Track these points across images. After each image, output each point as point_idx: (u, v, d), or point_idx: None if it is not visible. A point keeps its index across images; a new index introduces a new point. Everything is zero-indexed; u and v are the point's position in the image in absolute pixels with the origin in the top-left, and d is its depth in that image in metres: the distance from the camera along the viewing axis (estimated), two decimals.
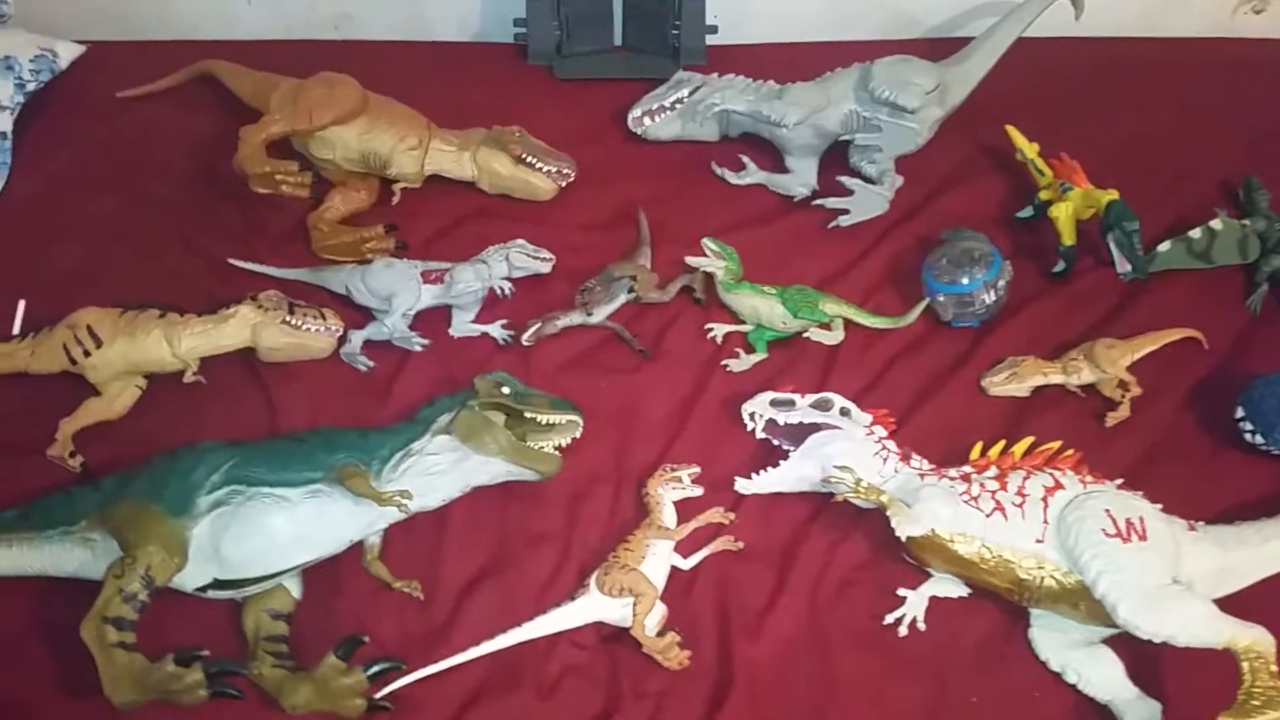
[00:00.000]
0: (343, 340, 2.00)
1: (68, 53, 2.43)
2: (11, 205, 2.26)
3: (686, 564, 1.77)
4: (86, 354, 1.89)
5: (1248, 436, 1.86)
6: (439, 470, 1.74)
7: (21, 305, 2.04)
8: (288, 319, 1.94)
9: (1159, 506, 1.70)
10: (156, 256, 2.16)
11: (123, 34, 2.59)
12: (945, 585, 1.74)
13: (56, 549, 1.71)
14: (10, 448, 1.89)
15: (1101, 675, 1.64)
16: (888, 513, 1.69)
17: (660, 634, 1.68)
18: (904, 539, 1.68)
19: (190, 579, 1.65)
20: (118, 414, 1.92)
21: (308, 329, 1.95)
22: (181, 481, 1.67)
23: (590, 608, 1.70)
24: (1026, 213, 2.22)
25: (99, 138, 2.39)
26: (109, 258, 2.16)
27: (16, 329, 2.01)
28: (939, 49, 2.39)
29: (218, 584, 1.67)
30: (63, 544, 1.70)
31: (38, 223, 2.24)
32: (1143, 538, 1.63)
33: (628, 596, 1.67)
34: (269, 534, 1.66)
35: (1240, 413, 1.87)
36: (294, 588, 1.72)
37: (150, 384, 1.95)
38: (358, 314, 2.05)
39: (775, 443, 1.86)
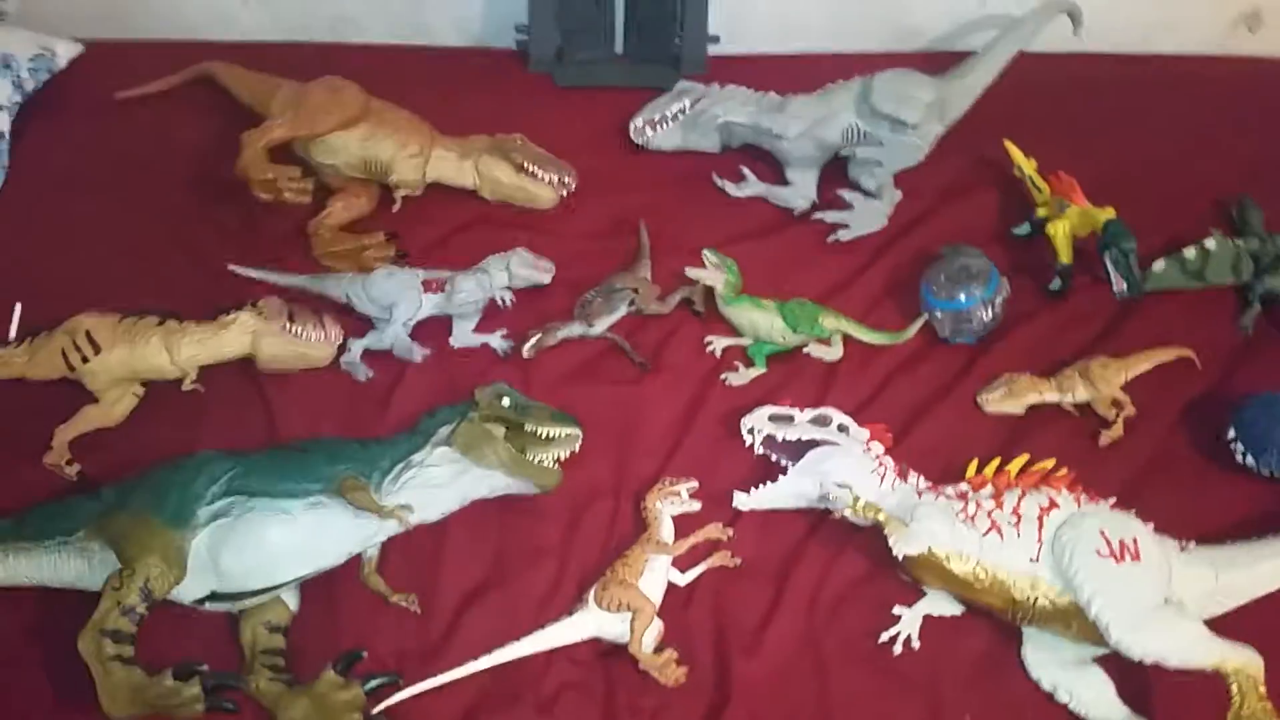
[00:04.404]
0: (342, 349, 1.99)
1: (66, 52, 2.40)
2: (9, 208, 2.24)
3: (683, 579, 1.77)
4: (85, 360, 1.87)
5: (1239, 457, 1.87)
6: (439, 483, 1.74)
7: (18, 309, 2.01)
8: (287, 326, 1.93)
9: (1151, 526, 1.71)
10: (155, 261, 2.15)
11: (119, 32, 2.57)
12: (940, 603, 1.74)
13: (53, 559, 1.69)
14: (5, 455, 1.87)
15: (1093, 695, 1.65)
16: (885, 531, 1.70)
17: (657, 650, 1.68)
18: (900, 558, 1.69)
19: (188, 591, 1.64)
20: (115, 421, 1.91)
21: (307, 337, 1.94)
22: (182, 492, 1.66)
23: (588, 623, 1.70)
24: (1023, 229, 2.22)
25: (97, 140, 2.37)
26: (107, 263, 2.14)
27: (12, 334, 1.98)
28: (939, 62, 2.40)
29: (215, 596, 1.66)
30: (59, 554, 1.69)
31: (35, 226, 2.22)
32: (1136, 558, 1.64)
33: (625, 612, 1.67)
34: (269, 546, 1.65)
35: (1232, 433, 1.88)
36: (291, 601, 1.72)
37: (148, 391, 1.94)
38: (358, 322, 2.04)
39: (773, 458, 1.86)
